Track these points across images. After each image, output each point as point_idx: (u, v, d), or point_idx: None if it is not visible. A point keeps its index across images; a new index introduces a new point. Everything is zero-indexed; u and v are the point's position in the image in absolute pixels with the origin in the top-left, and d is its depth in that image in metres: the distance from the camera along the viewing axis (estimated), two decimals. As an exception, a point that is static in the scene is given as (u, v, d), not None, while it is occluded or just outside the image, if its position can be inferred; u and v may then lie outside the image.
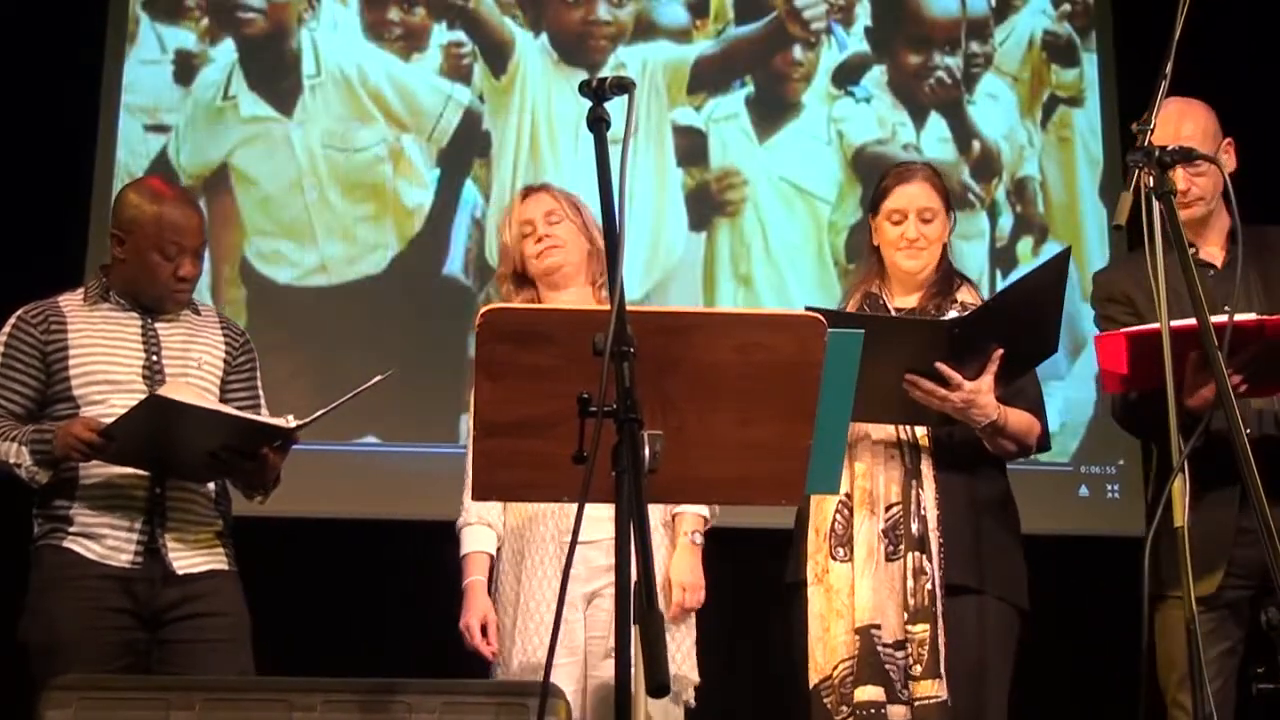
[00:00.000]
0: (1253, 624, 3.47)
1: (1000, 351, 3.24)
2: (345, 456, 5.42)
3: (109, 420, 3.32)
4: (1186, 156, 2.84)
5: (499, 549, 3.60)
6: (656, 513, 3.53)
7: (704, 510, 3.58)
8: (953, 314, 3.41)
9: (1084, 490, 5.71)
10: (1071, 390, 5.68)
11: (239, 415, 3.40)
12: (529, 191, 3.80)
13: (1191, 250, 3.49)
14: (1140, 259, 3.70)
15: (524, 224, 3.71)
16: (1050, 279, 3.34)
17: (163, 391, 3.30)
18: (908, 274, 3.55)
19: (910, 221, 3.51)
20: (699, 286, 5.76)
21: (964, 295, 3.55)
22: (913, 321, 3.39)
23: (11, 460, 3.39)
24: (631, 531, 2.03)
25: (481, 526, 3.59)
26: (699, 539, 3.55)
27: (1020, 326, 3.29)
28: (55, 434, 3.35)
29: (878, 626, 3.29)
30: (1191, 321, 2.90)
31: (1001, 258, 5.87)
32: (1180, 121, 3.44)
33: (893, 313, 3.50)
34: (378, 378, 3.38)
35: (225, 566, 3.59)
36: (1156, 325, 3.21)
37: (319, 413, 3.38)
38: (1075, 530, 5.51)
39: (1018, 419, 3.37)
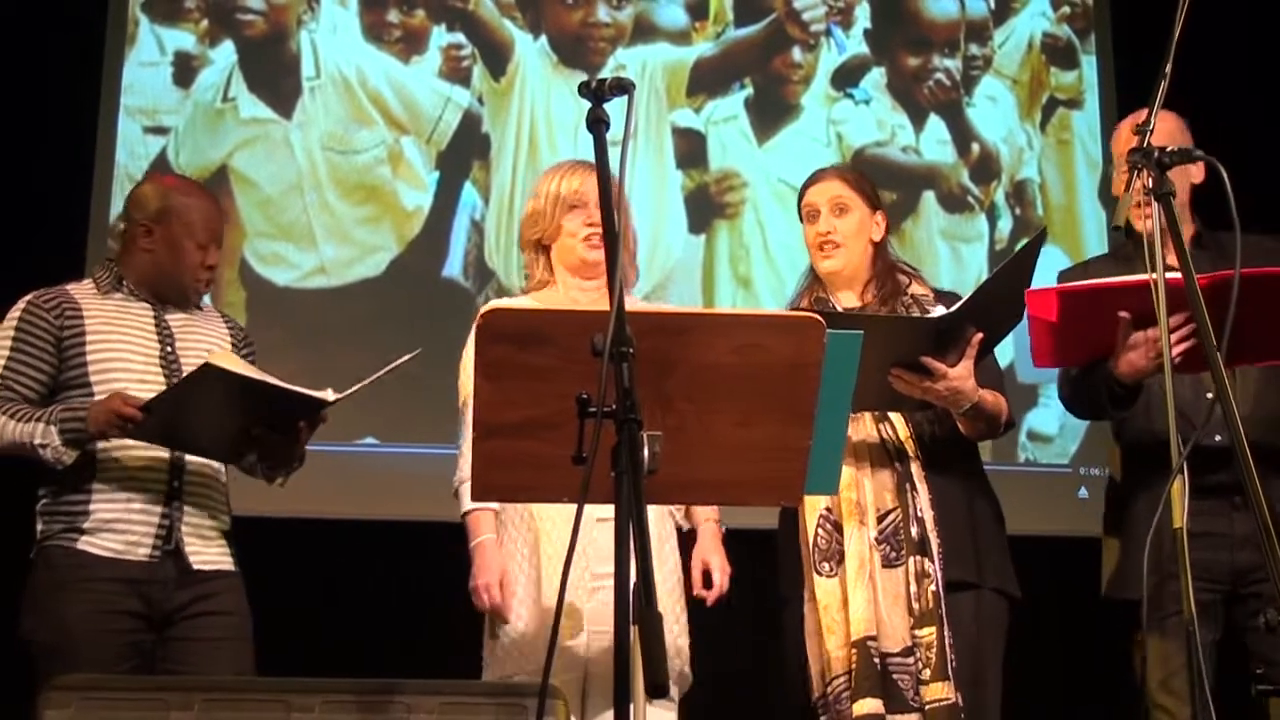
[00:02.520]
0: (1226, 628, 3.49)
1: (980, 337, 3.25)
2: (344, 457, 5.42)
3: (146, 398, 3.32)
4: (1186, 157, 2.85)
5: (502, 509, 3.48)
6: (664, 518, 3.51)
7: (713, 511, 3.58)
8: (939, 309, 3.39)
9: (1083, 492, 5.71)
10: (1071, 392, 5.68)
11: (284, 386, 3.36)
12: (586, 165, 3.57)
13: None
14: (1104, 262, 3.73)
15: (576, 194, 3.54)
16: (1027, 258, 3.35)
17: (214, 360, 3.27)
18: (828, 275, 3.57)
19: (823, 216, 3.55)
20: (698, 288, 5.77)
21: (915, 289, 3.56)
22: (904, 320, 3.39)
23: (36, 440, 3.36)
24: (631, 531, 2.03)
25: None
26: (720, 525, 3.55)
27: (996, 308, 3.32)
28: (89, 410, 3.34)
29: (874, 638, 3.26)
30: (1121, 279, 2.90)
31: (1000, 260, 5.86)
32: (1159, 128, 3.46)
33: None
34: (409, 355, 3.42)
35: (231, 567, 3.60)
36: (1091, 283, 3.24)
37: (357, 386, 3.39)
38: (1074, 531, 5.50)
39: (992, 399, 3.38)
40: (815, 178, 3.66)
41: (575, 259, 3.54)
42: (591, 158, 2.38)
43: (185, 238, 3.60)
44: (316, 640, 4.99)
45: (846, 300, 3.58)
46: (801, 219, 3.65)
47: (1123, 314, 3.15)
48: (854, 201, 3.56)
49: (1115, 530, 3.67)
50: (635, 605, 2.01)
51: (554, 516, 3.40)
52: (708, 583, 3.51)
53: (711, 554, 3.51)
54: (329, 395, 3.39)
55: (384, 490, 5.42)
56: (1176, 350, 3.06)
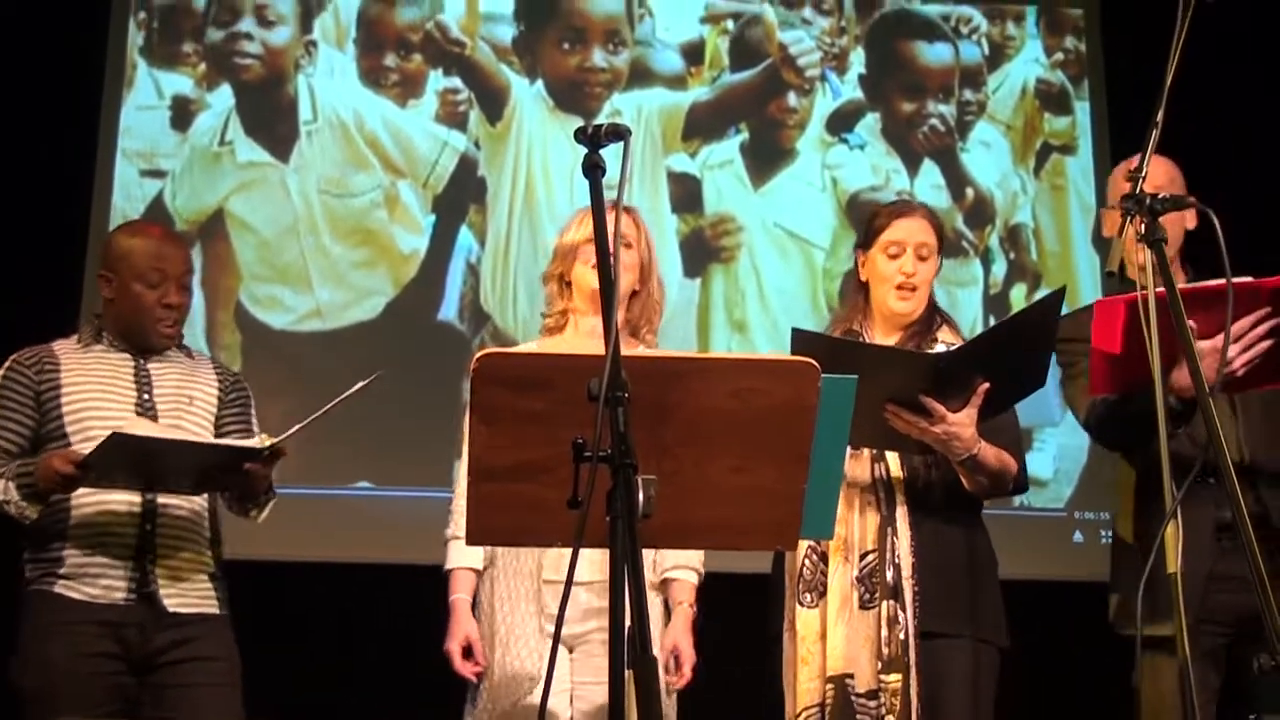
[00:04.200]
0: (1230, 672, 3.46)
1: (985, 386, 3.21)
2: (338, 501, 5.42)
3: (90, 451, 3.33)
4: (1178, 204, 2.85)
5: (485, 568, 3.51)
6: (648, 575, 3.48)
7: (694, 577, 3.53)
8: (940, 348, 3.39)
9: (1078, 536, 5.71)
10: (1065, 437, 5.68)
11: (202, 442, 3.40)
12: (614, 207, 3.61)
13: None
14: (1088, 313, 3.68)
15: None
16: (1041, 316, 3.31)
17: (124, 428, 3.29)
18: (896, 315, 3.53)
19: (908, 255, 3.50)
20: (693, 332, 5.78)
21: (944, 335, 3.53)
22: (901, 353, 3.36)
23: (0, 498, 3.41)
24: (625, 577, 2.03)
25: None
26: (694, 608, 3.51)
27: (1008, 362, 3.27)
28: (36, 467, 3.37)
29: (851, 676, 3.26)
30: (1198, 284, 2.88)
31: (995, 305, 5.89)
32: (1159, 171, 3.46)
33: None
34: (357, 385, 3.38)
35: (216, 610, 3.59)
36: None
37: (293, 429, 3.41)
38: (1068, 576, 5.50)
39: (995, 455, 3.33)
40: (902, 211, 3.57)
41: (587, 288, 3.55)
42: (587, 202, 2.39)
43: (132, 280, 3.60)
44: (311, 684, 4.96)
45: (886, 339, 3.54)
46: (869, 242, 3.56)
47: (1191, 322, 3.03)
48: (934, 249, 3.53)
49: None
50: (630, 651, 2.00)
51: (510, 580, 3.43)
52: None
53: (682, 638, 3.47)
54: (258, 443, 3.39)
55: (378, 534, 5.41)
56: (1246, 357, 3.10)
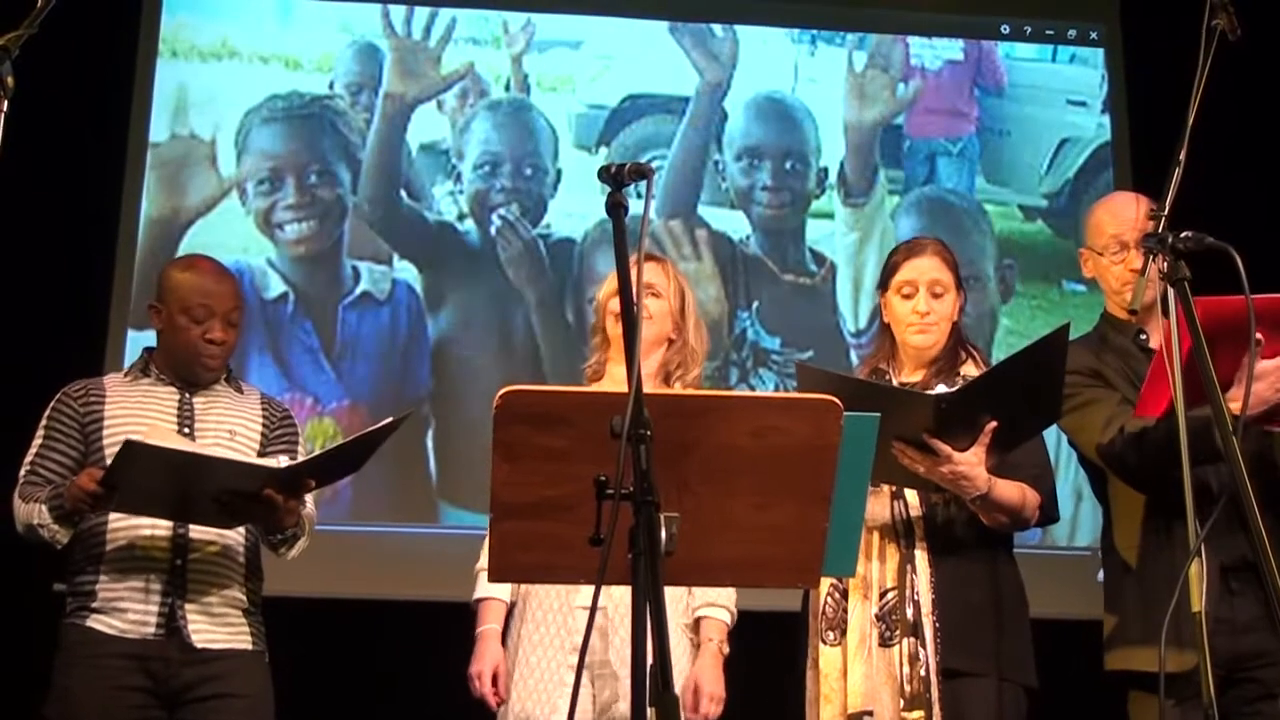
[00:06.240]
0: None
1: (993, 425, 3.19)
2: (357, 538, 5.43)
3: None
4: (1200, 243, 2.83)
5: (513, 602, 3.56)
6: (679, 615, 3.52)
7: (726, 616, 3.54)
8: (940, 388, 3.37)
9: (1103, 575, 5.67)
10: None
11: (217, 457, 3.40)
12: (647, 256, 3.63)
13: (1142, 337, 3.49)
14: (1095, 339, 3.66)
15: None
16: (1046, 353, 3.26)
17: (139, 438, 3.30)
18: (917, 350, 3.53)
19: (921, 295, 3.50)
20: (718, 370, 5.78)
21: (967, 369, 3.51)
22: (903, 393, 3.35)
23: (35, 521, 3.43)
24: (648, 614, 2.03)
25: None
26: (725, 647, 3.52)
27: (1016, 398, 3.23)
28: (66, 487, 3.39)
29: (870, 713, 3.26)
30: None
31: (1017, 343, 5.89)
32: (1139, 212, 3.46)
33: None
34: (384, 422, 3.40)
35: (249, 646, 3.59)
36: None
37: (314, 454, 3.44)
38: (1092, 616, 5.47)
39: (1009, 491, 3.31)
40: (913, 251, 3.58)
41: (617, 340, 3.60)
42: (625, 238, 2.40)
43: (179, 314, 3.63)
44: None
45: (911, 376, 3.55)
46: (886, 284, 3.58)
47: (1258, 336, 2.96)
48: (949, 285, 3.53)
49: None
50: (652, 688, 2.00)
51: (538, 610, 3.48)
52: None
53: (705, 678, 3.48)
54: (278, 463, 3.40)
55: (397, 570, 5.42)
56: None
